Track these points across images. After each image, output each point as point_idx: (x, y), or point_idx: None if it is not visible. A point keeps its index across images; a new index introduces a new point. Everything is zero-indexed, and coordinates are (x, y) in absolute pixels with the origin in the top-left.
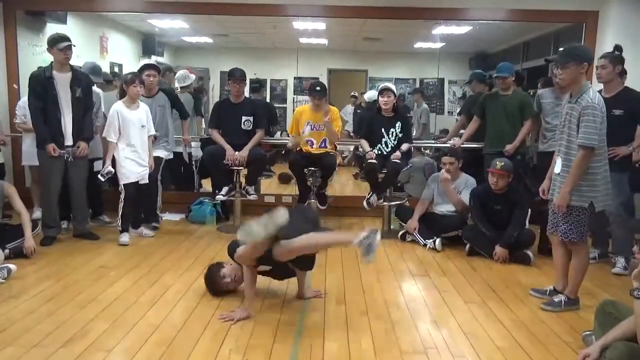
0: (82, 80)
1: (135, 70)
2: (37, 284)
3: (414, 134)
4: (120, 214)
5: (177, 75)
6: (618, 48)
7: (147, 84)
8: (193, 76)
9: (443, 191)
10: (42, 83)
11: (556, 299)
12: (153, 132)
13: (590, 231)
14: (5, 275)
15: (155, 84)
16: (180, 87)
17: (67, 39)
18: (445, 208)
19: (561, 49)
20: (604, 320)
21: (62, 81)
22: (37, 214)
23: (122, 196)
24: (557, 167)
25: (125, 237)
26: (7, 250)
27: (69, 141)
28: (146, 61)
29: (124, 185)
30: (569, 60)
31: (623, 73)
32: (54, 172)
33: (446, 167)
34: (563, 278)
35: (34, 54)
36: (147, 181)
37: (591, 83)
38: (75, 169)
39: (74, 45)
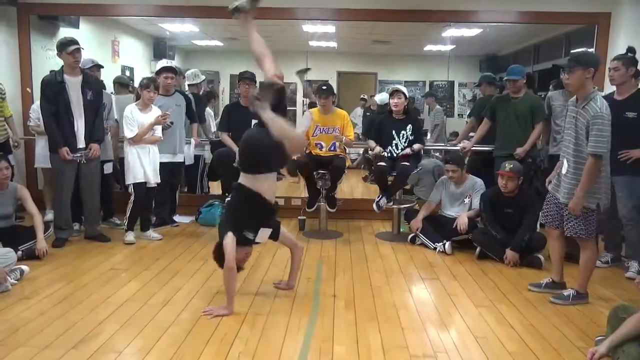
0: (93, 82)
1: (147, 73)
2: (49, 286)
3: (427, 138)
4: (128, 214)
5: (187, 73)
6: (631, 50)
7: (164, 85)
8: (203, 76)
9: (452, 194)
10: (53, 87)
11: (565, 292)
12: (159, 133)
13: (604, 235)
14: (17, 277)
15: (172, 85)
16: (189, 85)
17: (75, 42)
18: (454, 211)
19: (572, 52)
20: (616, 324)
21: (74, 85)
22: (49, 216)
23: (132, 197)
24: (564, 168)
25: (130, 236)
26: (19, 252)
27: (81, 144)
28: (163, 63)
29: (133, 186)
30: (576, 64)
31: (637, 75)
32: (66, 174)
33: (449, 174)
34: (559, 269)
35: (47, 58)
36: (159, 180)
37: (603, 86)
38: (87, 171)
39: (83, 48)
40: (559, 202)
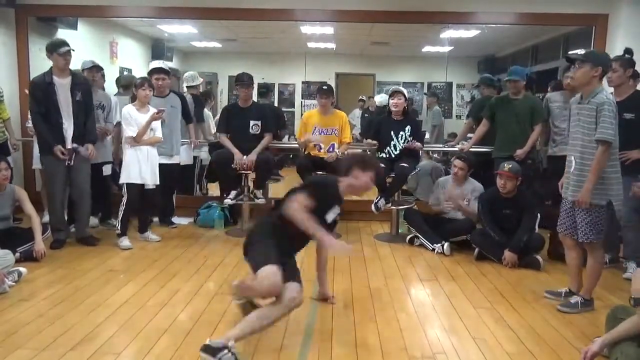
0: (82, 84)
1: (144, 74)
2: (47, 287)
3: (427, 138)
4: (120, 217)
5: (185, 75)
6: (628, 51)
7: (156, 87)
8: (201, 79)
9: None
10: (42, 89)
11: (572, 300)
12: (159, 134)
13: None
14: (16, 278)
15: (165, 86)
16: (187, 87)
17: (66, 44)
18: (452, 212)
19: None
20: (615, 325)
21: (63, 86)
22: (47, 217)
23: (124, 199)
24: (572, 166)
25: (125, 241)
26: (17, 254)
27: (69, 146)
28: (155, 64)
29: (126, 186)
30: (586, 60)
31: (635, 76)
32: (57, 176)
33: (456, 169)
34: (577, 279)
35: (45, 59)
36: (158, 182)
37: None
38: (77, 173)
39: (74, 50)
40: (570, 206)
